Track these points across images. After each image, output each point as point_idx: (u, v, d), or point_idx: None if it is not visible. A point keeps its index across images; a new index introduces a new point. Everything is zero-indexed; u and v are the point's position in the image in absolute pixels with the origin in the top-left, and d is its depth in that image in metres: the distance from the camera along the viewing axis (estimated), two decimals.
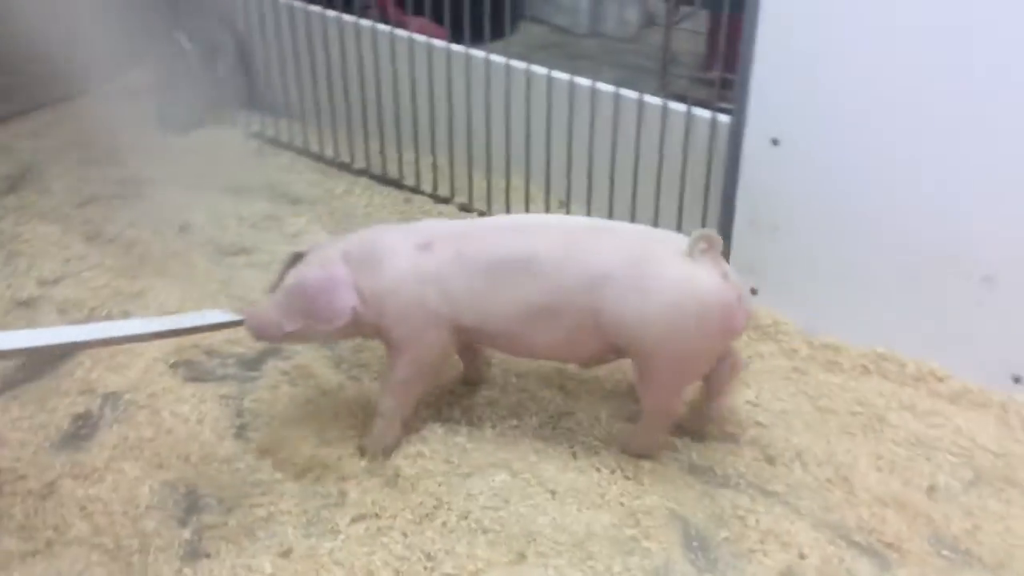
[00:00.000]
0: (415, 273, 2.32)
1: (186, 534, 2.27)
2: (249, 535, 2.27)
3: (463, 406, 2.64)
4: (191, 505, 2.36)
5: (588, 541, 2.25)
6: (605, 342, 2.34)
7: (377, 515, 2.31)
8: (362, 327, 2.39)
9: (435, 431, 2.54)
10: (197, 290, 3.12)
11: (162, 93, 4.12)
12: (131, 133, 4.06)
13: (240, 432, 2.57)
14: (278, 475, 2.43)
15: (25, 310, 3.07)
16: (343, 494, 2.36)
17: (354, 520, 2.29)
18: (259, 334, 2.44)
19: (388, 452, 2.47)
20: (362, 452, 2.49)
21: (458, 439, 2.52)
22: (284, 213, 3.60)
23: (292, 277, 2.39)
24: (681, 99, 3.08)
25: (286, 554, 2.21)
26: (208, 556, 2.22)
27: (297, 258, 2.45)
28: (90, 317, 3.02)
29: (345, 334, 2.44)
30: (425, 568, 2.18)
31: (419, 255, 2.34)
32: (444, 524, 2.29)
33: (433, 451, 2.47)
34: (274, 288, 2.45)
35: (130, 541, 2.25)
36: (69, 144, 4.01)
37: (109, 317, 3.01)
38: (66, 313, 3.04)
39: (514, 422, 2.59)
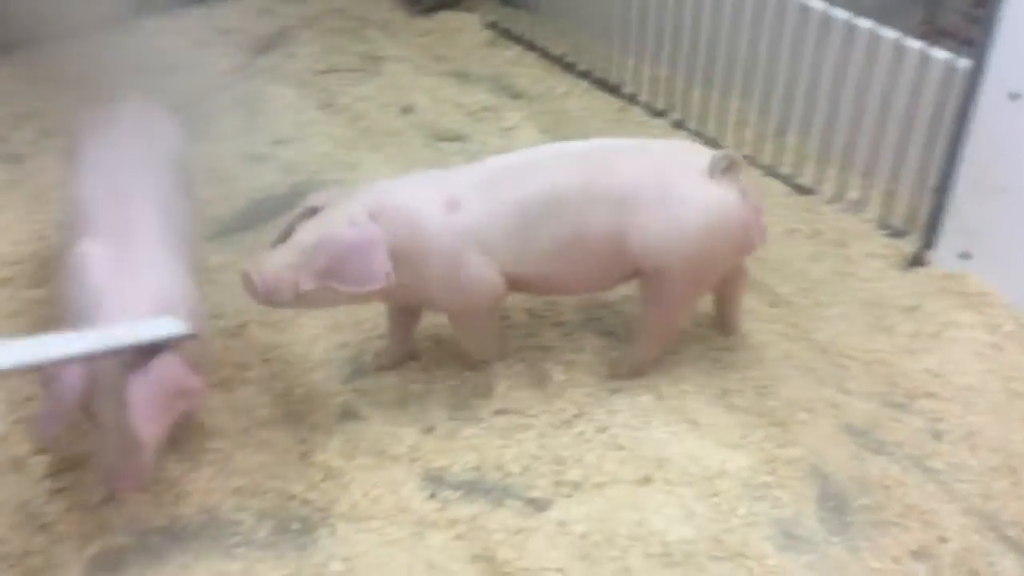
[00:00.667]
0: (451, 233, 2.23)
1: (345, 394, 2.46)
2: (400, 406, 2.43)
3: (627, 323, 2.65)
4: (356, 369, 2.54)
5: (719, 478, 2.24)
6: (628, 265, 2.32)
7: (520, 412, 2.39)
8: (388, 292, 2.25)
9: (592, 343, 2.58)
10: (406, 170, 3.26)
11: None
12: (378, 9, 4.26)
13: None
14: (437, 358, 2.56)
15: (254, 164, 3.33)
16: (490, 387, 2.45)
17: (497, 413, 2.39)
18: (269, 295, 2.17)
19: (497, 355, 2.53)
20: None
21: (614, 354, 2.55)
22: (503, 106, 3.67)
23: (312, 233, 2.19)
24: (949, 35, 2.84)
25: (429, 430, 2.36)
26: (360, 418, 2.40)
27: (310, 212, 2.26)
28: (311, 179, 3.24)
29: (365, 299, 2.28)
30: (552, 471, 2.25)
31: (449, 215, 2.25)
32: (581, 434, 2.34)
33: (586, 362, 2.52)
34: (280, 242, 2.24)
35: (297, 390, 2.47)
36: (322, 14, 4.25)
37: (324, 184, 3.22)
38: (290, 173, 3.28)
39: (673, 349, 2.57)
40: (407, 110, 3.65)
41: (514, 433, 2.34)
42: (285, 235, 2.25)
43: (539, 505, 2.19)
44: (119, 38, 3.61)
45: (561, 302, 2.69)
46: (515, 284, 2.35)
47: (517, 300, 2.68)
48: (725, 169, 2.27)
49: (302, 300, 2.20)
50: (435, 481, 2.24)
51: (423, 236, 2.23)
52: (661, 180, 2.26)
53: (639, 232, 2.25)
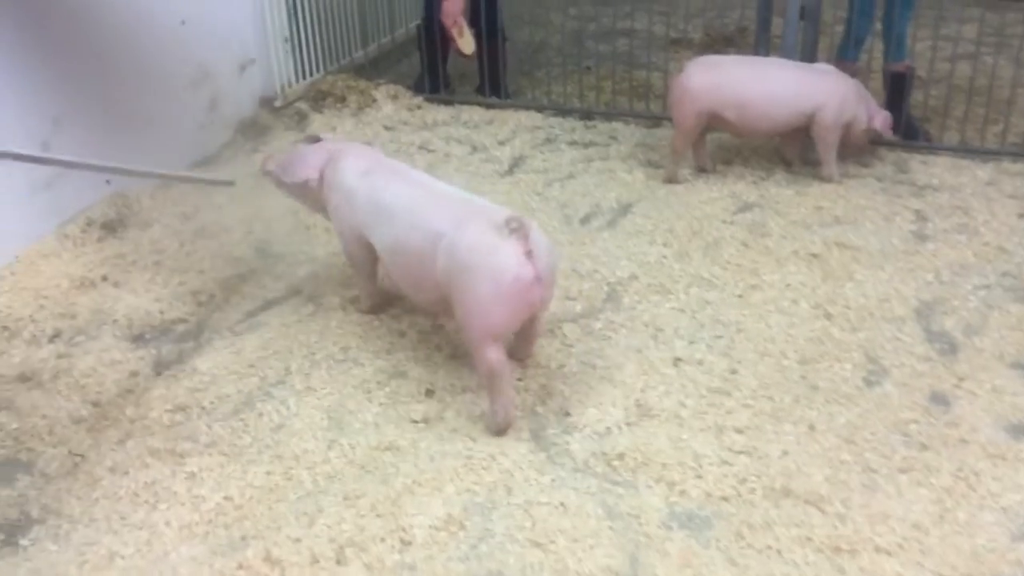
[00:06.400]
0: (347, 185, 3.24)
1: None
2: None
3: None
4: None
5: None
6: (440, 292, 2.90)
7: None
8: (316, 201, 3.44)
9: None
10: None
11: None
12: None
13: None
14: None
15: None
16: None
17: None
18: (262, 170, 3.66)
19: (366, 310, 3.48)
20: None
21: None
22: None
23: (296, 145, 3.69)
24: None
25: None
26: None
27: (314, 139, 3.59)
28: None
29: (304, 199, 3.52)
30: None
31: (357, 175, 3.24)
32: None
33: None
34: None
35: None
36: None
37: None
38: None
39: None
40: None
41: None
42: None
43: None
44: None
45: None
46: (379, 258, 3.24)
47: None
48: (514, 229, 2.70)
49: (275, 182, 3.60)
50: None
51: (336, 176, 3.31)
52: (460, 223, 2.81)
53: (438, 261, 2.84)
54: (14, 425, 2.92)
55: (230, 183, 3.87)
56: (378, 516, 2.56)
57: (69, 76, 4.02)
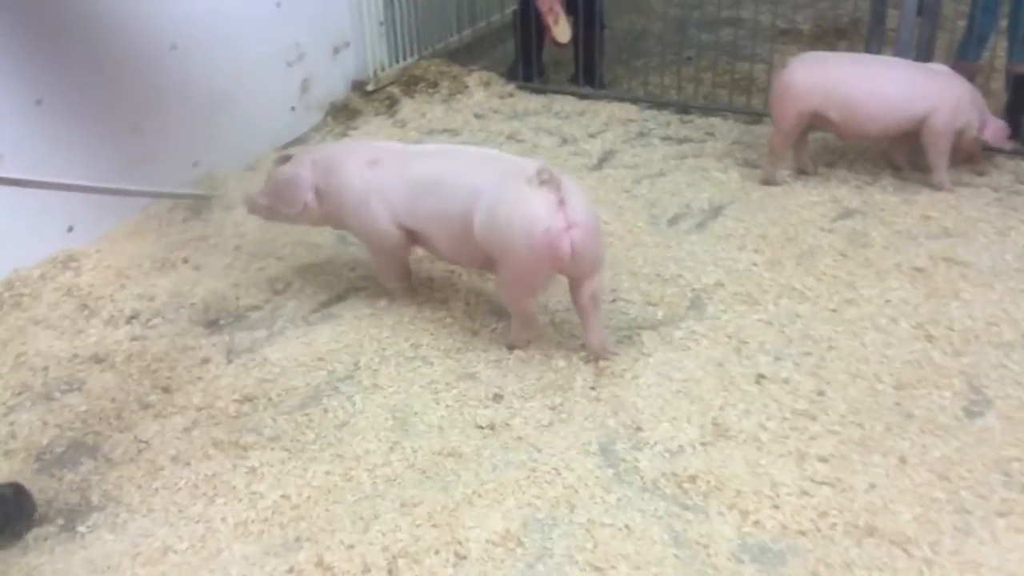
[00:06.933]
0: (363, 181, 3.16)
1: None
2: None
3: None
4: None
5: None
6: (481, 250, 2.96)
7: None
8: (319, 218, 3.34)
9: None
10: None
11: None
12: None
13: None
14: None
15: None
16: None
17: None
18: (248, 208, 3.51)
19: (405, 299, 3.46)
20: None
21: None
22: None
23: (276, 172, 3.41)
24: None
25: None
26: None
27: (285, 159, 3.58)
28: None
29: (307, 220, 3.37)
30: None
31: (368, 169, 3.16)
32: None
33: None
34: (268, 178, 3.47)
35: None
36: None
37: None
38: None
39: None
40: None
41: None
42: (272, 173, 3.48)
43: None
44: None
45: None
46: (417, 239, 3.20)
47: None
48: (545, 180, 2.76)
49: (269, 214, 3.46)
50: None
51: (340, 178, 3.20)
52: (499, 182, 2.87)
53: (476, 219, 2.91)
54: (83, 407, 2.94)
55: (207, 197, 3.85)
56: (434, 526, 2.47)
57: (160, 58, 4.03)
